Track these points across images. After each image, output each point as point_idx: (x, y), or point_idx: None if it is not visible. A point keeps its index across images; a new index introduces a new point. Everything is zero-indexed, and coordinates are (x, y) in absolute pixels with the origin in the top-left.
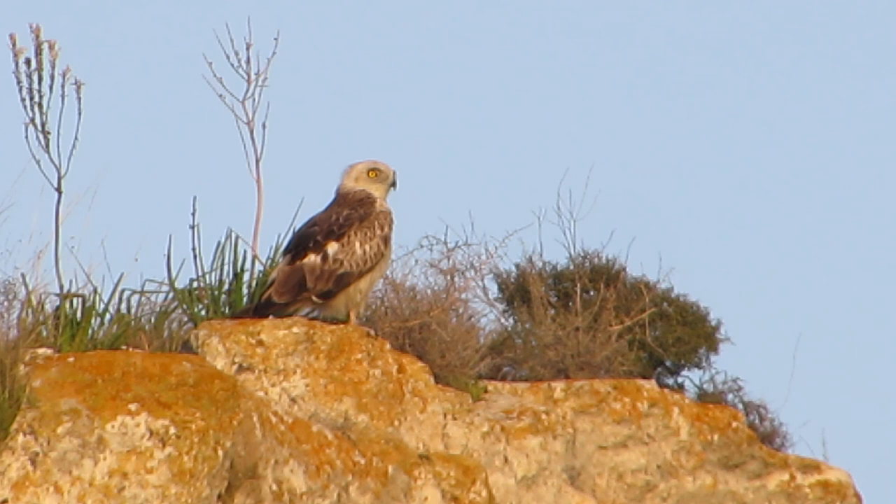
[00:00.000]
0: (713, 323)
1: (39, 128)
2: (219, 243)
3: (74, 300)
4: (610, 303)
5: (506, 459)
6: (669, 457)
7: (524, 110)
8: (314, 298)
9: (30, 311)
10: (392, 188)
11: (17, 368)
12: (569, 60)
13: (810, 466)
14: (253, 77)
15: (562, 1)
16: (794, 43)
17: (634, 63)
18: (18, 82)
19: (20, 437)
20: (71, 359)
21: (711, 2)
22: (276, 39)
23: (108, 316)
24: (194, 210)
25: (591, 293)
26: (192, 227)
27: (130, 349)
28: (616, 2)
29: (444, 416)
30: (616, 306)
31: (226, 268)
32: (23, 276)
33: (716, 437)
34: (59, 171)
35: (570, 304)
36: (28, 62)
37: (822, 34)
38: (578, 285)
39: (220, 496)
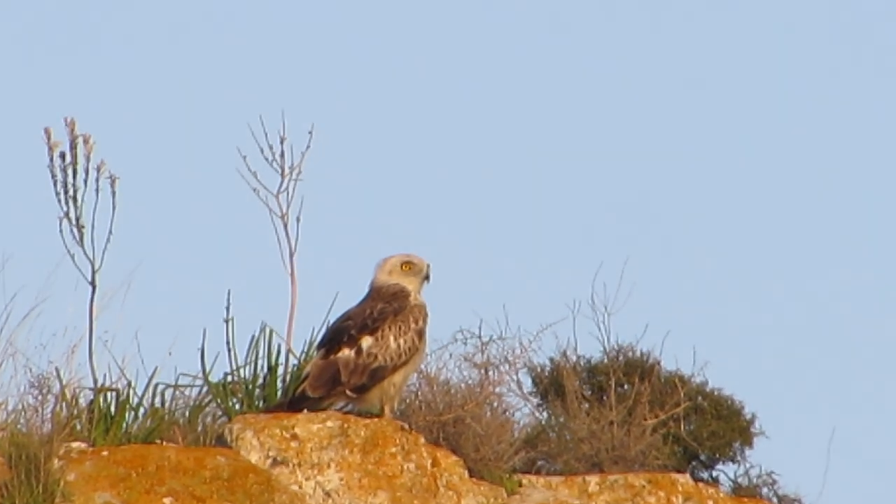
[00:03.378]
0: (748, 417)
1: (74, 222)
2: (253, 337)
3: (108, 394)
4: (644, 396)
5: None
6: None
7: (558, 204)
8: (348, 392)
9: (64, 405)
10: (426, 281)
11: (52, 462)
12: (603, 156)
13: None
14: (287, 171)
15: (591, 97)
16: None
17: (667, 159)
18: (53, 176)
19: None
20: (105, 453)
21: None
22: (310, 133)
23: (142, 410)
24: (228, 304)
25: (626, 387)
26: (227, 321)
27: (164, 443)
28: (645, 100)
29: None
30: (650, 400)
31: (260, 361)
32: (57, 370)
33: None
34: (93, 265)
35: (605, 397)
36: (63, 156)
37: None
38: (613, 379)
39: None
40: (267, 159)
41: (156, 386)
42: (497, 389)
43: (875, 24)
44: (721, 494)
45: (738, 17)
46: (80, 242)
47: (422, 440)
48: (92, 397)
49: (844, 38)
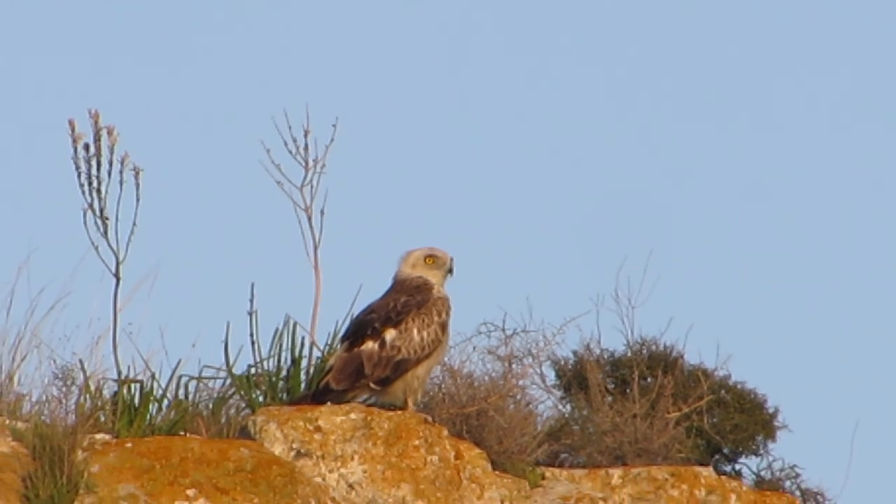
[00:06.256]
0: (771, 410)
1: (98, 214)
2: (277, 330)
3: (132, 386)
4: (668, 390)
5: None
6: None
7: (582, 197)
8: (372, 385)
9: (88, 396)
10: (449, 275)
11: (76, 454)
12: (628, 149)
13: None
14: (311, 164)
15: (615, 89)
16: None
17: (692, 151)
18: (77, 168)
19: None
20: (129, 444)
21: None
22: (334, 126)
23: (165, 402)
24: (252, 296)
25: (649, 380)
26: (250, 314)
27: (188, 435)
28: (664, 94)
29: (502, 502)
30: (674, 393)
31: (284, 354)
32: (81, 362)
33: None
34: (117, 257)
35: (628, 391)
36: (87, 148)
37: None
38: (636, 372)
39: None
40: (291, 152)
41: (180, 378)
42: (520, 382)
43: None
44: (744, 488)
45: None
46: (105, 234)
47: (445, 433)
48: (116, 389)
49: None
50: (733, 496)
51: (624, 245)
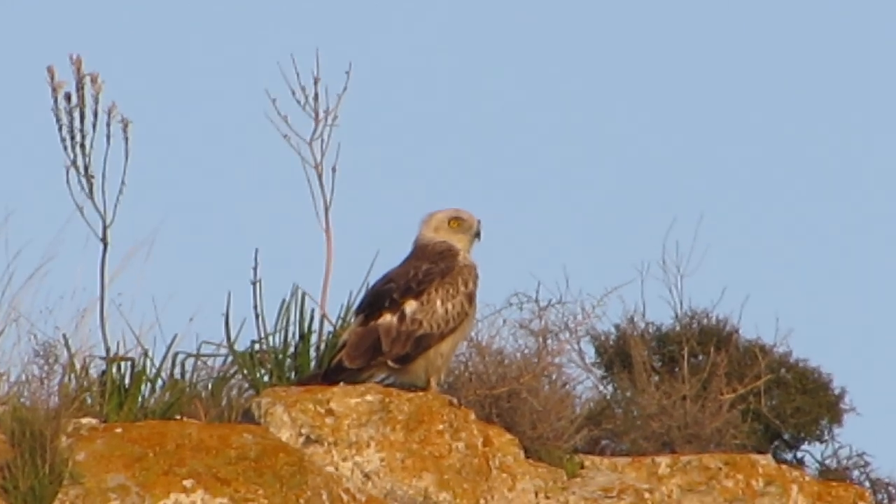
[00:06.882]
0: (836, 391)
1: (82, 171)
2: (283, 301)
3: (122, 364)
4: (721, 368)
5: None
6: None
7: (626, 153)
8: (390, 363)
9: (72, 376)
10: (476, 239)
11: (59, 440)
12: (673, 105)
13: None
14: (321, 115)
15: (665, 49)
16: None
17: (745, 112)
18: (58, 121)
19: None
20: (118, 430)
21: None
22: (347, 73)
23: (159, 382)
24: (256, 264)
25: (700, 357)
26: (254, 283)
27: (185, 419)
28: (724, 58)
29: (536, 494)
30: (728, 372)
31: (291, 328)
32: (64, 337)
33: None
34: (104, 219)
35: (677, 369)
36: (68, 98)
37: None
38: (686, 349)
39: None
40: (299, 102)
41: (175, 355)
42: (556, 360)
43: None
44: (807, 478)
45: None
46: (90, 194)
47: (472, 416)
48: (104, 368)
49: None
50: (795, 487)
51: (672, 207)
